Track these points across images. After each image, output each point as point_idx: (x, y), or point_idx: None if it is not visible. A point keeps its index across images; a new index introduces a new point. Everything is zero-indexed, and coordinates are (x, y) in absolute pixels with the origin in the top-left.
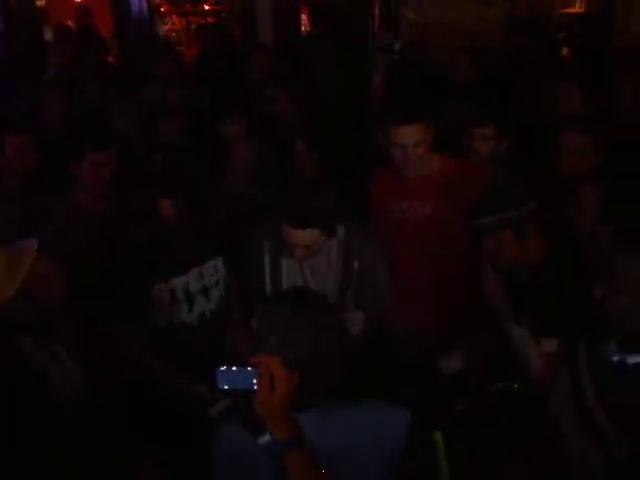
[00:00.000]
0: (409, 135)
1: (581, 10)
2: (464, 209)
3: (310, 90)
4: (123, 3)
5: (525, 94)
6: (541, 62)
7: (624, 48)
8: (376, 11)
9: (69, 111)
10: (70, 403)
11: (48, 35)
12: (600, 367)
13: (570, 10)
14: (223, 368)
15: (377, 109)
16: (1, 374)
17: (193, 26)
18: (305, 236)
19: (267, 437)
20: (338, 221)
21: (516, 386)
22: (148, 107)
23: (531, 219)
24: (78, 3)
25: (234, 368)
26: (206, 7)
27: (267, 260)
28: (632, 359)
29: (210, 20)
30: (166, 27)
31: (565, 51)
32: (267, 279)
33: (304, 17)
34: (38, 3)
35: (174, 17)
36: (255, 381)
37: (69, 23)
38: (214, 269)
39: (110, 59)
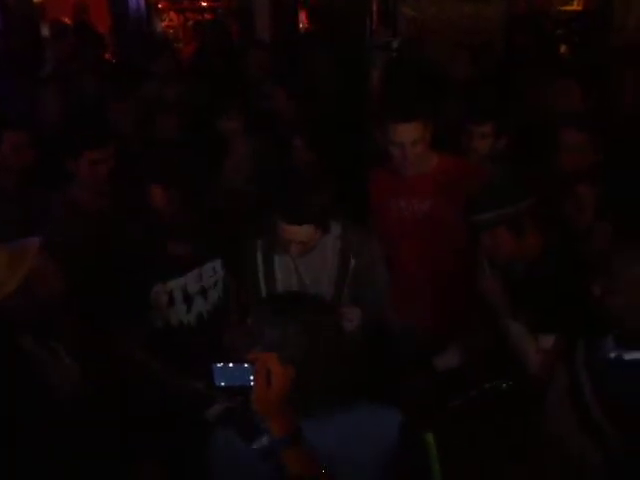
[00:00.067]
0: (407, 133)
1: (579, 7)
2: (462, 207)
3: (308, 87)
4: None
5: (523, 92)
6: (539, 59)
7: (622, 45)
8: (374, 8)
9: (66, 107)
10: (68, 401)
11: (45, 31)
12: (597, 364)
13: (568, 7)
14: (220, 365)
15: (375, 107)
16: (1, 372)
17: (190, 23)
18: (300, 232)
19: (262, 441)
20: (333, 218)
21: (505, 386)
22: (145, 104)
23: (528, 215)
24: (75, 0)
25: (231, 365)
26: (203, 3)
27: (260, 259)
28: (629, 355)
29: (207, 16)
30: (163, 24)
31: (563, 48)
32: (261, 278)
33: (302, 14)
34: (35, 0)
35: (171, 14)
36: (252, 377)
37: (65, 20)
38: (212, 271)
39: (107, 56)
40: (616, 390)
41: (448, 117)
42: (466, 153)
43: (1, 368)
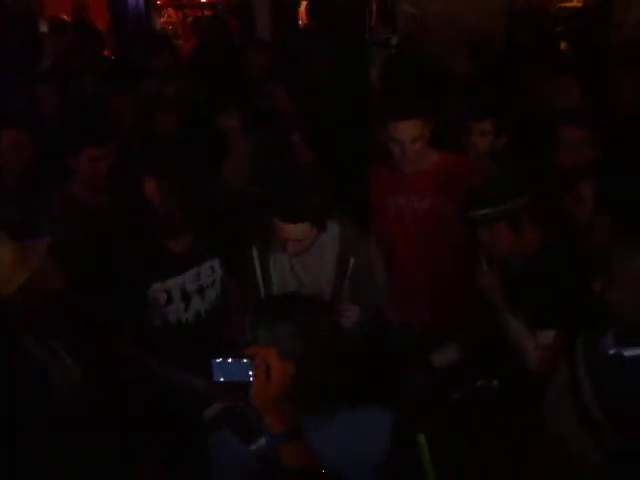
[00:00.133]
0: (407, 130)
1: (579, 4)
2: (462, 204)
3: (308, 84)
4: None
5: (523, 89)
6: (539, 56)
7: (622, 42)
8: (373, 5)
9: (65, 104)
10: (68, 401)
11: (43, 28)
12: (597, 360)
13: (568, 4)
14: (219, 360)
15: (375, 104)
16: (1, 372)
17: (189, 19)
18: (296, 230)
19: (260, 442)
20: (330, 216)
21: (495, 383)
22: (145, 100)
23: (527, 211)
24: None
25: (230, 360)
26: (202, 0)
27: (257, 259)
28: (628, 352)
29: (207, 13)
30: (162, 20)
31: (563, 45)
32: (259, 278)
33: (302, 10)
34: None
35: (170, 10)
36: (251, 373)
37: (64, 16)
38: (211, 270)
39: (106, 52)
40: (615, 387)
41: (448, 114)
42: (466, 150)
43: (1, 368)
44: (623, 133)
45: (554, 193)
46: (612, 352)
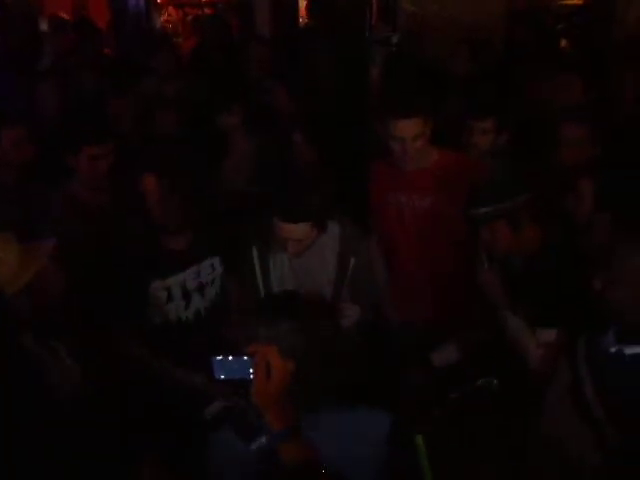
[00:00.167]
0: (408, 129)
1: (580, 1)
2: (462, 202)
3: (308, 83)
4: None
5: (523, 87)
6: (540, 54)
7: (623, 39)
8: (374, 3)
9: (65, 102)
10: (68, 401)
11: (43, 26)
12: (598, 358)
13: (569, 1)
14: (219, 357)
15: (375, 102)
16: (0, 372)
17: (190, 17)
18: (296, 230)
19: (260, 442)
20: (330, 216)
21: (495, 382)
22: (145, 99)
23: (526, 209)
24: None
25: (230, 357)
26: None
27: (257, 259)
28: (630, 350)
29: (207, 11)
30: (162, 18)
31: (564, 43)
32: (259, 278)
33: (302, 8)
34: None
35: (170, 8)
36: (251, 370)
37: (63, 15)
38: (211, 268)
39: (106, 51)
40: (617, 385)
41: (448, 112)
42: (467, 149)
43: (1, 368)
44: (624, 130)
45: (554, 191)
46: (613, 350)
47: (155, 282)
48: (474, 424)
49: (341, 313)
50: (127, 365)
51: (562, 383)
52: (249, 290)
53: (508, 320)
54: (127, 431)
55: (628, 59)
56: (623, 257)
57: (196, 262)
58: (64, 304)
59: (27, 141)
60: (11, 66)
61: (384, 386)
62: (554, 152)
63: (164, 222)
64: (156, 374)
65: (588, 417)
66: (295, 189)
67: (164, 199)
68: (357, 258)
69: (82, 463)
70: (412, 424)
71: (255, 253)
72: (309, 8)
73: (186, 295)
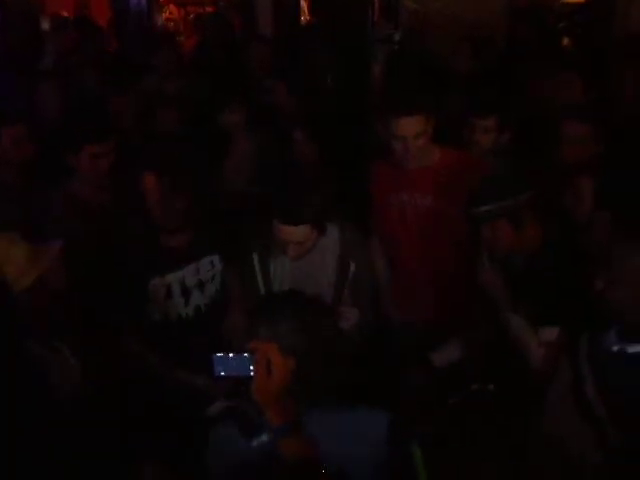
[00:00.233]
0: (409, 127)
1: (582, 0)
2: (464, 201)
3: (309, 81)
4: None
5: (525, 85)
6: (541, 52)
7: (625, 37)
8: (376, 1)
9: (66, 101)
10: (69, 401)
11: (44, 25)
12: (600, 357)
13: (571, 0)
14: (219, 354)
15: (377, 100)
16: (1, 372)
17: (191, 16)
18: (297, 232)
19: (262, 438)
20: (330, 219)
21: (491, 387)
22: (146, 97)
23: (528, 208)
24: None
25: (231, 355)
26: None
27: (257, 262)
28: (632, 348)
29: (208, 9)
30: (164, 16)
31: (566, 41)
32: (260, 283)
33: (304, 6)
34: None
35: (172, 7)
36: (252, 367)
37: (65, 13)
38: (210, 265)
39: (108, 49)
40: (619, 383)
41: (450, 111)
42: (469, 147)
43: (1, 367)
44: (625, 128)
45: (555, 189)
46: (615, 349)
47: (154, 279)
48: (474, 424)
49: (341, 316)
50: (128, 364)
51: (563, 382)
52: (250, 293)
53: (509, 319)
54: (128, 430)
55: (629, 57)
56: (623, 257)
57: (195, 259)
58: (65, 303)
59: (27, 139)
60: (12, 65)
61: (384, 386)
62: (556, 150)
63: (164, 221)
64: (157, 373)
65: (589, 416)
66: (295, 191)
67: (164, 198)
68: (357, 262)
69: (82, 462)
70: (412, 424)
71: (256, 257)
72: (311, 6)
73: (185, 292)
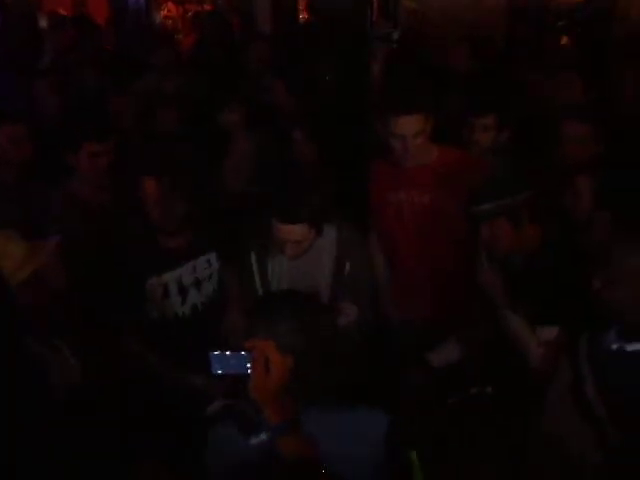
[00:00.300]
0: (408, 125)
1: None
2: (463, 200)
3: (308, 80)
4: None
5: (525, 84)
6: (540, 51)
7: (624, 36)
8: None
9: (65, 100)
10: (69, 401)
11: (42, 23)
12: (600, 356)
13: None
14: (217, 352)
15: (376, 98)
16: (1, 371)
17: (190, 14)
18: (295, 231)
19: (260, 437)
20: (328, 220)
21: (490, 389)
22: (145, 96)
23: (527, 207)
24: None
25: (228, 352)
26: None
27: (255, 264)
28: (631, 347)
29: (207, 8)
30: (162, 13)
31: (565, 40)
32: (257, 283)
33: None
34: None
35: (170, 5)
36: (249, 365)
37: (62, 11)
38: (207, 263)
39: (106, 48)
40: (619, 383)
41: (449, 109)
42: (468, 146)
43: (1, 366)
44: (625, 128)
45: (554, 189)
46: (615, 348)
47: (151, 278)
48: (473, 425)
49: (339, 312)
50: (127, 363)
51: (563, 382)
52: (248, 292)
53: (508, 319)
54: (127, 430)
55: (628, 56)
56: (623, 257)
57: (192, 258)
58: (65, 302)
59: (26, 139)
60: (11, 64)
61: (384, 386)
62: (555, 150)
63: (163, 224)
64: (156, 372)
65: (589, 415)
66: (294, 190)
67: (164, 202)
68: (353, 262)
69: (81, 462)
70: (411, 424)
71: (253, 257)
72: (309, 5)
73: (182, 291)
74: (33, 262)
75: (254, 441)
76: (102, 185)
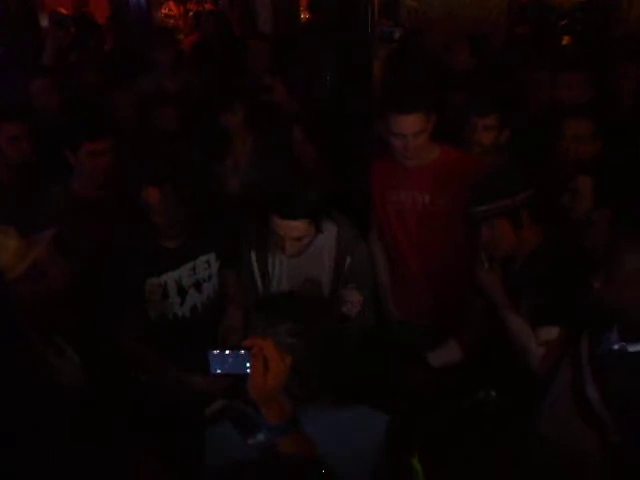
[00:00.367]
0: (409, 125)
1: None
2: (464, 200)
3: (308, 79)
4: None
5: (525, 83)
6: (542, 50)
7: (626, 34)
8: None
9: (65, 99)
10: (70, 400)
11: (44, 22)
12: (601, 357)
13: None
14: (216, 352)
15: (377, 98)
16: (5, 369)
17: (191, 13)
18: (295, 227)
19: (259, 437)
20: (328, 215)
21: (494, 393)
22: (146, 96)
23: (527, 207)
24: None
25: (227, 352)
26: None
27: (255, 263)
28: (633, 347)
29: (208, 6)
30: (162, 11)
31: (567, 39)
32: (258, 282)
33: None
34: None
35: (171, 4)
36: (248, 364)
37: (63, 11)
38: (206, 264)
39: (107, 46)
40: (620, 383)
41: (451, 109)
42: (469, 145)
43: (5, 364)
44: (626, 127)
45: (554, 188)
46: (616, 347)
47: (150, 279)
48: (478, 430)
49: (343, 300)
50: (127, 363)
51: (564, 382)
52: (248, 291)
53: (508, 319)
54: (127, 430)
55: (630, 55)
56: (623, 257)
57: (192, 258)
58: (67, 301)
59: (26, 137)
60: (12, 63)
61: (384, 386)
62: (556, 149)
63: (165, 229)
64: (155, 373)
65: (590, 415)
66: (294, 186)
67: (165, 209)
68: (352, 257)
69: (83, 462)
70: (411, 425)
71: (253, 256)
72: (310, 4)
73: (181, 291)
74: (30, 255)
75: (253, 441)
76: (102, 184)
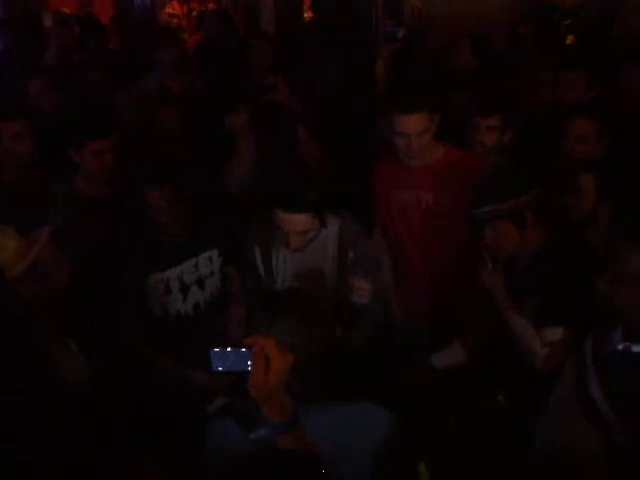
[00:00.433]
0: (413, 124)
1: None
2: (467, 200)
3: (312, 78)
4: None
5: (529, 83)
6: (545, 50)
7: (629, 33)
8: None
9: (68, 98)
10: (72, 399)
11: (47, 22)
12: (605, 357)
13: None
14: (217, 349)
15: (381, 97)
16: (11, 366)
17: (194, 12)
18: (299, 221)
19: (260, 433)
20: (333, 212)
21: (501, 397)
22: (149, 95)
23: (531, 208)
24: None
25: (228, 349)
26: None
27: (259, 257)
28: (636, 348)
29: (211, 6)
30: (166, 11)
31: (570, 39)
32: (261, 273)
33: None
34: None
35: (175, 3)
36: (249, 362)
37: (67, 11)
38: (209, 260)
39: (111, 46)
40: (624, 383)
41: (454, 109)
42: (472, 146)
43: (10, 362)
44: (630, 126)
45: (557, 189)
46: (620, 347)
47: (154, 274)
48: (486, 434)
49: (352, 287)
50: (129, 360)
51: (568, 382)
52: (252, 286)
53: (512, 320)
54: (128, 430)
55: (633, 54)
56: (626, 256)
57: (194, 255)
58: (66, 301)
59: (29, 135)
60: (15, 63)
61: (385, 386)
62: (559, 149)
63: (168, 229)
64: (157, 370)
65: (594, 416)
66: (297, 180)
67: (168, 210)
68: (355, 251)
69: (83, 462)
70: (413, 426)
71: (257, 251)
72: (313, 4)
73: (184, 288)
74: (29, 254)
75: (255, 435)
76: (106, 182)
